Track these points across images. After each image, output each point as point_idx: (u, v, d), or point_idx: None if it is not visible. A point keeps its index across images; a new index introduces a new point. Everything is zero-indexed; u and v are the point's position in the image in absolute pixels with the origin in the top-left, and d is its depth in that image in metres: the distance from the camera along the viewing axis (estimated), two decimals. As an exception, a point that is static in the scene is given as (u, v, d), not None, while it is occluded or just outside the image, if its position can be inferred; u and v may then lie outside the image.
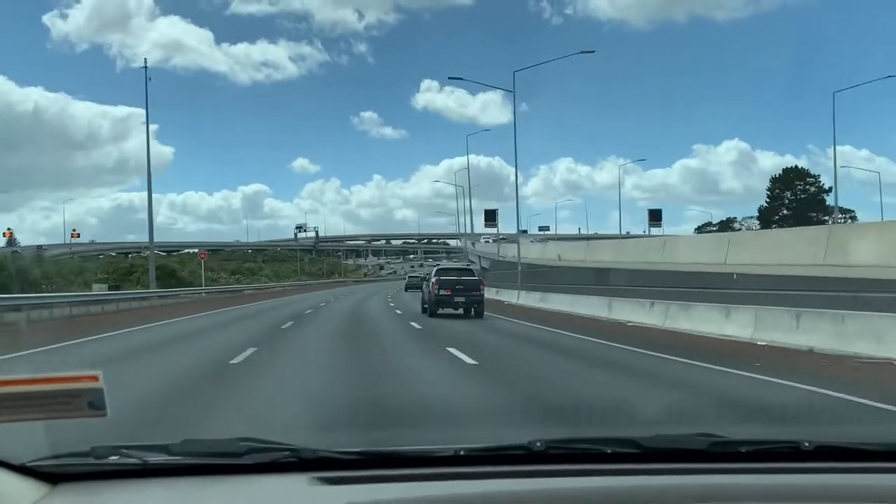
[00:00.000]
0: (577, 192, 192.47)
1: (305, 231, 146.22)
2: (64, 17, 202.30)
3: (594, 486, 1.62)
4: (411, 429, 5.56)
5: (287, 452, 1.67)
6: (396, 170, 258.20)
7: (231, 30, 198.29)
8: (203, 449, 1.70)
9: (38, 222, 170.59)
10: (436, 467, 1.69)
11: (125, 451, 1.60)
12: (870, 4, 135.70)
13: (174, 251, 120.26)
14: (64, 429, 1.38)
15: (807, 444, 1.83)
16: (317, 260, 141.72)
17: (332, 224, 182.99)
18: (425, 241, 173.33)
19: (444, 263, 46.27)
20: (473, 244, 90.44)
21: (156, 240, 44.55)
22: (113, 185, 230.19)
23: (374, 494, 1.51)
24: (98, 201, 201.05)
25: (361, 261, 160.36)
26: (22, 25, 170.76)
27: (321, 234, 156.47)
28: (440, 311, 24.51)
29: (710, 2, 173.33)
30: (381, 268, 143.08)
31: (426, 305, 26.11)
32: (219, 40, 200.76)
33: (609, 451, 1.78)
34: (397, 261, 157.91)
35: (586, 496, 1.57)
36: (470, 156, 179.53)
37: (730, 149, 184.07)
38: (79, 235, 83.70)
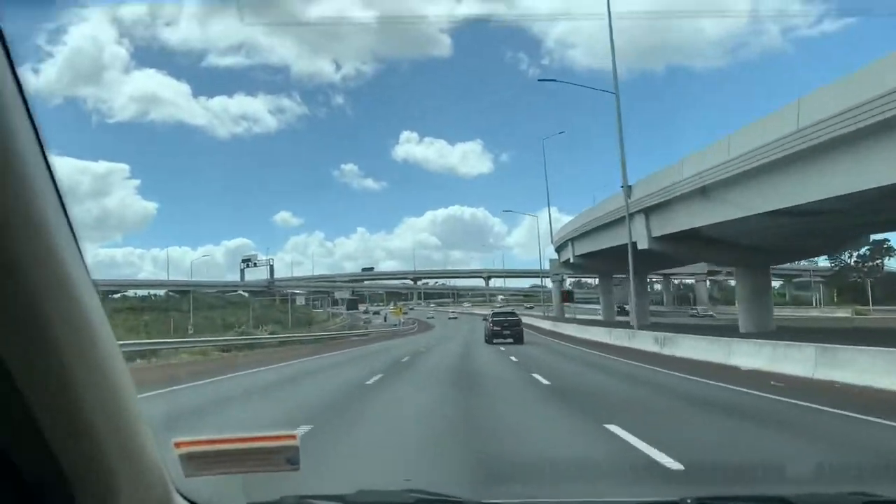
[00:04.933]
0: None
1: (254, 265, 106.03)
2: (36, 71, 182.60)
3: None
4: (547, 483, 5.57)
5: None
6: (380, 222, 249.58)
7: (208, 83, 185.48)
8: (377, 499, 1.89)
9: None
10: None
11: (310, 500, 1.81)
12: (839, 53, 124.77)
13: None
14: (251, 477, 1.58)
15: None
16: (269, 305, 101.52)
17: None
18: (424, 280, 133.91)
19: (497, 308, 53.78)
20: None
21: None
22: (93, 241, 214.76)
23: None
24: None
25: (338, 309, 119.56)
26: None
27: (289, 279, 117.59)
28: (494, 340, 35.92)
29: (689, 51, 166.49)
30: (373, 313, 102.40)
31: (486, 336, 37.97)
32: (196, 93, 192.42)
33: None
34: (382, 307, 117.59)
35: None
36: (453, 207, 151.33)
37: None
38: None
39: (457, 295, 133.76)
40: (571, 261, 67.48)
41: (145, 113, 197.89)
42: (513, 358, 23.25)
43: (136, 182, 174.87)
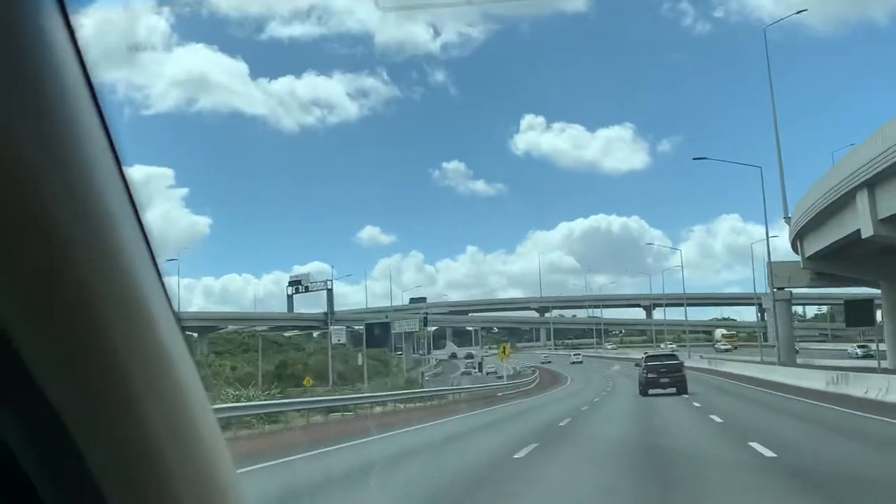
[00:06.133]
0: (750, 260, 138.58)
1: (305, 289, 73.97)
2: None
3: None
4: None
5: None
6: (496, 238, 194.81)
7: (270, 59, 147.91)
8: None
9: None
10: None
11: None
12: None
13: None
14: None
15: None
16: (322, 349, 69.09)
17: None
18: (556, 311, 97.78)
19: (652, 351, 44.78)
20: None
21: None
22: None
23: None
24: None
25: (437, 353, 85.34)
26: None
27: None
28: (650, 391, 30.25)
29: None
30: (465, 357, 68.99)
31: (640, 387, 31.94)
32: (255, 74, 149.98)
33: None
34: (476, 350, 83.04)
35: None
36: (595, 216, 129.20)
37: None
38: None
39: (603, 332, 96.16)
40: (868, 234, 30.63)
41: (192, 101, 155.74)
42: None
43: (183, 191, 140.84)
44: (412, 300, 75.39)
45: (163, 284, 0.80)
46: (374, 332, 57.76)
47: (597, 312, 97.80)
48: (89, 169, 0.66)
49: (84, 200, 0.65)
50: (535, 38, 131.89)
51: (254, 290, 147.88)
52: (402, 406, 28.75)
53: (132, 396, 0.75)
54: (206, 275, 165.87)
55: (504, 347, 48.39)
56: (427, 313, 72.72)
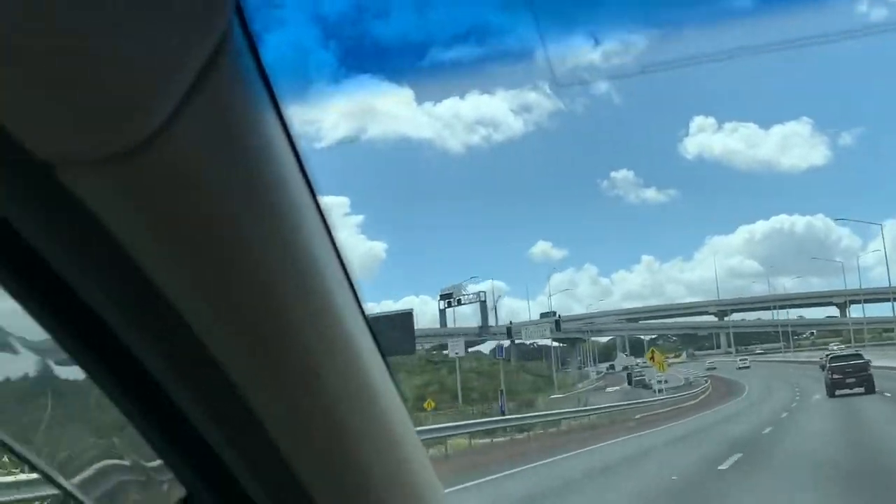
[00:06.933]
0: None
1: (458, 303, 71.07)
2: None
3: None
4: None
5: None
6: (672, 246, 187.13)
7: (433, 83, 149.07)
8: None
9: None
10: None
11: None
12: None
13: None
14: None
15: None
16: (478, 366, 66.10)
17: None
18: (739, 313, 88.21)
19: (834, 352, 42.68)
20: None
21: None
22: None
23: None
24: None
25: (601, 366, 79.62)
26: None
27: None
28: (837, 392, 29.84)
29: None
30: (623, 368, 63.47)
31: (826, 388, 31.66)
32: (420, 99, 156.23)
33: None
34: (674, 361, 76.13)
35: None
36: (776, 217, 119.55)
37: None
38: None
39: (790, 334, 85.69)
40: None
41: (361, 130, 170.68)
42: None
43: (359, 218, 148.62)
44: (542, 315, 70.76)
45: (360, 303, 0.80)
46: (394, 327, 51.15)
47: (783, 314, 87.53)
48: (286, 193, 0.66)
49: (283, 226, 0.66)
50: (700, 37, 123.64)
51: (431, 310, 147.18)
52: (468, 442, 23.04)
53: (329, 405, 0.76)
54: (386, 299, 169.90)
55: (652, 352, 42.13)
56: (559, 319, 67.23)
